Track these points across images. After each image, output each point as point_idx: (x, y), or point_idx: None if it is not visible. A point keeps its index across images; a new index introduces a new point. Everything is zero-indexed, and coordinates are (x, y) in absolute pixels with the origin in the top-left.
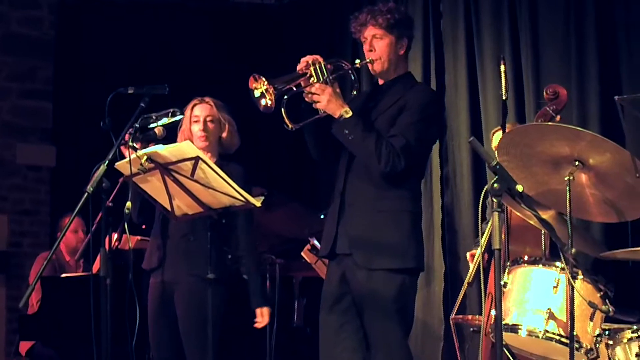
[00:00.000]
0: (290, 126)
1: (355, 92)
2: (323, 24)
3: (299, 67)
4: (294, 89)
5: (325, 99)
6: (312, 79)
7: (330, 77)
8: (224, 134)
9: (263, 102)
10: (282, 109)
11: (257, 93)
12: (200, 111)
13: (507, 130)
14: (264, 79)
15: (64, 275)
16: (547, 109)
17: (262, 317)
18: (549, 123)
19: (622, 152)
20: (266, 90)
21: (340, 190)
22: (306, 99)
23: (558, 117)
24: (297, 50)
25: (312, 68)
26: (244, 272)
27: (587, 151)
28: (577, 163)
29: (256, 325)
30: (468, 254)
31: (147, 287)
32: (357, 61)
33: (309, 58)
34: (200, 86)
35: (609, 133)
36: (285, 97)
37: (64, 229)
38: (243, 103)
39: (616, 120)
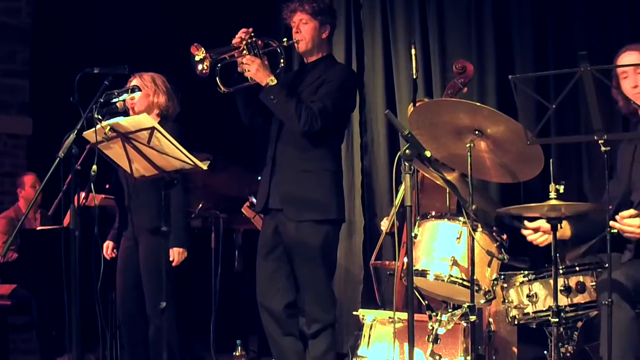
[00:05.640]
0: (223, 90)
1: (283, 64)
2: (259, 11)
3: (234, 41)
4: (228, 58)
5: (254, 68)
6: (244, 51)
7: (260, 52)
8: (160, 100)
9: (200, 67)
10: (216, 75)
11: (196, 58)
12: (132, 83)
13: (417, 104)
14: (203, 48)
15: (39, 228)
16: (456, 81)
17: (173, 255)
18: (453, 99)
19: (515, 124)
20: (204, 57)
21: (271, 155)
22: (239, 69)
23: (465, 89)
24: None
25: (244, 42)
26: (194, 226)
27: (485, 123)
28: (476, 132)
29: (173, 263)
30: (384, 220)
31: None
32: (285, 40)
33: (243, 33)
34: (155, 65)
35: (505, 106)
36: (219, 65)
37: (32, 200)
38: (192, 80)
39: (510, 95)
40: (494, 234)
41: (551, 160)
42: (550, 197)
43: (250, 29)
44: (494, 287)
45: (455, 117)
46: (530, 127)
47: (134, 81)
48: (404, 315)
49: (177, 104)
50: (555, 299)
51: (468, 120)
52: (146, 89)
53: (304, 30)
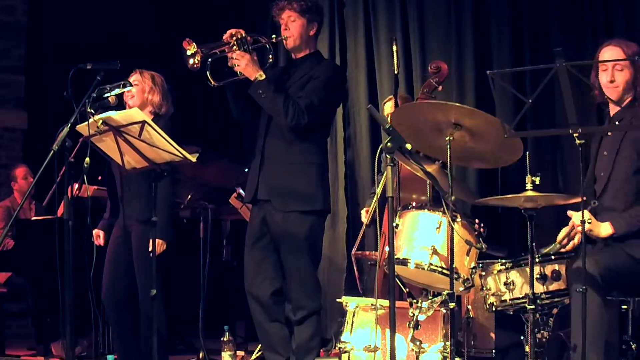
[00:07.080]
0: (213, 83)
1: (271, 60)
2: (247, 8)
3: (224, 36)
4: (218, 53)
5: (244, 64)
6: (234, 47)
7: (250, 47)
8: (154, 98)
9: (191, 61)
10: (207, 70)
11: (188, 53)
12: (132, 78)
13: (398, 97)
14: (194, 43)
15: (34, 218)
16: (431, 80)
17: (156, 246)
18: (430, 101)
19: (492, 118)
20: (195, 52)
21: (260, 148)
22: (229, 64)
23: (440, 87)
24: (227, 29)
25: (234, 38)
26: (183, 217)
27: (462, 117)
28: (455, 126)
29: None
30: (363, 211)
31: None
32: (274, 36)
33: (233, 30)
34: (146, 61)
35: (483, 100)
36: (210, 60)
37: (27, 191)
38: (182, 76)
39: (489, 90)
40: (473, 224)
41: (527, 153)
42: (526, 188)
43: (242, 31)
44: (473, 275)
45: (434, 113)
46: (507, 121)
47: (134, 76)
48: (385, 303)
49: (171, 105)
50: (532, 286)
51: (447, 117)
52: (143, 85)
53: (292, 27)
